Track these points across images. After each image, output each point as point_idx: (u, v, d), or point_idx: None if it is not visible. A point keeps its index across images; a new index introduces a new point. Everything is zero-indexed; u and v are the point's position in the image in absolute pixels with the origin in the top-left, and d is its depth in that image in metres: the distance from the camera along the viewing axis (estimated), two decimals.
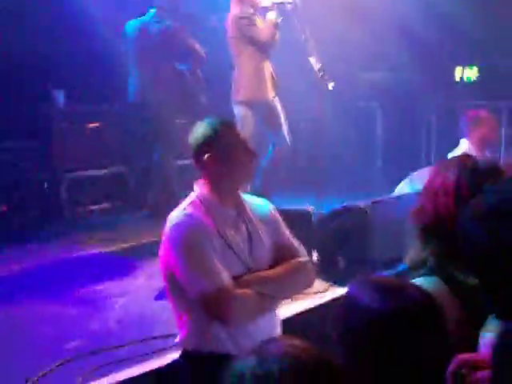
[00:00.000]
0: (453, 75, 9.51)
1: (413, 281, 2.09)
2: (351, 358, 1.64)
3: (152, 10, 6.93)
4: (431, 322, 1.69)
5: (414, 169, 6.15)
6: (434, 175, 2.41)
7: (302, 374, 1.37)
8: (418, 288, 1.78)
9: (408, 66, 9.46)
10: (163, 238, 2.99)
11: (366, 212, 4.98)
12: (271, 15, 6.27)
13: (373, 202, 5.17)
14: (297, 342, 1.46)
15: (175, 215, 3.01)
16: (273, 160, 6.43)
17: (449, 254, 2.25)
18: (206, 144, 3.03)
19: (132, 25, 6.99)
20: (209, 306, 2.87)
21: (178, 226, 2.94)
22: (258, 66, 6.31)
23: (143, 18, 6.98)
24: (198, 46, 6.88)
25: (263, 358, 1.40)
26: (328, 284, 4.82)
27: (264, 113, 6.36)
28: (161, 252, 3.01)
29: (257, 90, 6.31)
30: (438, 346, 1.69)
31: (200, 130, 3.07)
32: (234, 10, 6.32)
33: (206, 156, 3.01)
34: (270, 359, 1.39)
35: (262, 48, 6.28)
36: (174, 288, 3.01)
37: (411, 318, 1.68)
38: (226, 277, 2.87)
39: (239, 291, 2.90)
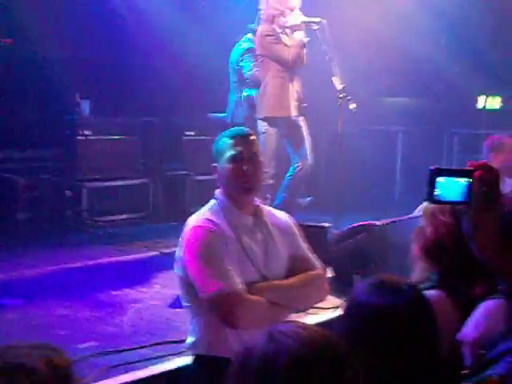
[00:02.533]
0: (476, 103, 9.53)
1: None
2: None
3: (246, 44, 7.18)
4: (422, 317, 1.83)
5: None
6: None
7: (311, 350, 1.41)
8: (412, 285, 1.91)
9: (431, 93, 9.51)
10: (180, 241, 3.05)
11: (384, 230, 5.00)
12: (298, 35, 6.32)
13: (391, 221, 5.18)
14: (306, 324, 1.51)
15: (194, 219, 3.09)
16: (294, 176, 6.47)
17: (450, 269, 2.34)
18: (215, 154, 3.15)
19: (233, 55, 7.36)
20: (218, 308, 2.91)
21: (195, 228, 3.01)
22: (283, 84, 6.35)
23: (241, 49, 7.24)
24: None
25: (273, 335, 1.44)
26: (342, 301, 4.82)
27: (286, 129, 6.41)
28: (177, 254, 3.07)
29: (279, 108, 6.35)
30: (428, 340, 1.82)
31: (215, 141, 3.19)
32: (261, 27, 6.40)
33: (215, 165, 3.13)
34: (278, 337, 1.43)
35: (287, 66, 6.32)
36: (187, 290, 3.05)
37: (404, 312, 1.80)
38: (238, 281, 2.92)
39: (251, 297, 2.94)
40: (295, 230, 3.29)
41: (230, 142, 3.11)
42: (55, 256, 6.03)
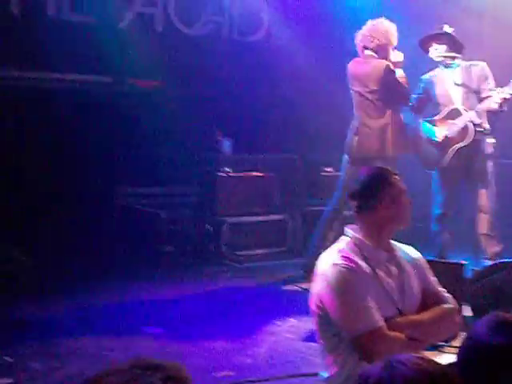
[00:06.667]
0: None
1: None
2: None
3: None
4: None
5: None
6: None
7: (425, 379, 1.41)
8: None
9: None
10: (317, 277, 3.06)
11: None
12: (400, 72, 6.04)
13: None
14: (423, 356, 1.52)
15: (330, 256, 3.08)
16: None
17: None
18: (378, 190, 3.11)
19: None
20: (362, 346, 2.92)
21: (334, 266, 3.01)
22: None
23: None
24: None
25: (390, 363, 1.45)
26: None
27: None
28: (314, 290, 3.08)
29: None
30: None
31: (370, 178, 3.17)
32: (379, 61, 5.99)
33: (378, 201, 3.10)
34: (396, 365, 1.44)
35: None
36: (325, 328, 3.07)
37: None
38: (380, 318, 2.93)
39: (391, 333, 2.94)
40: (425, 263, 3.27)
41: (392, 176, 3.15)
42: (196, 288, 6.25)
